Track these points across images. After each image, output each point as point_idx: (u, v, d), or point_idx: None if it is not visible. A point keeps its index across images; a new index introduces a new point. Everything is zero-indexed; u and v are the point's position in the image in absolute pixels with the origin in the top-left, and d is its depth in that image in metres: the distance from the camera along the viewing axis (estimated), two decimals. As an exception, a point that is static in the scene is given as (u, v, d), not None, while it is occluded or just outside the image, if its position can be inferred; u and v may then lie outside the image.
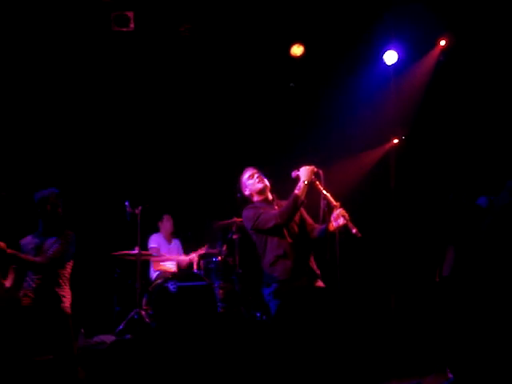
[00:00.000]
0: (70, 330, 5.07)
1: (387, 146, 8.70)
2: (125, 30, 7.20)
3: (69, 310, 5.14)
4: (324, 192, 4.74)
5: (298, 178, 4.77)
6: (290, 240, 4.76)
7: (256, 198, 5.00)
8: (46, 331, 4.92)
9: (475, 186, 6.70)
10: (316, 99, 8.49)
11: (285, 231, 4.76)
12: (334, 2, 7.59)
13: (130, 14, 7.19)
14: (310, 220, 4.99)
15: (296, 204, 4.65)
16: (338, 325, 4.70)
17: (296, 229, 4.85)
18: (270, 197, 4.98)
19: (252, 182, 4.97)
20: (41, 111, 7.67)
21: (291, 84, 8.62)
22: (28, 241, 5.15)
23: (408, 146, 8.47)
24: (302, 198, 4.66)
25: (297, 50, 8.08)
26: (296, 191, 4.68)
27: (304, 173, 4.72)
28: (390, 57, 8.18)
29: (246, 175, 5.04)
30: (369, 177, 8.52)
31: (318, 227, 4.89)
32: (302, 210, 4.96)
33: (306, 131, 8.53)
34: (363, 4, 7.66)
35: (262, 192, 4.96)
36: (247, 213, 4.89)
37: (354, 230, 4.59)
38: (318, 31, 7.92)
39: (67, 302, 5.15)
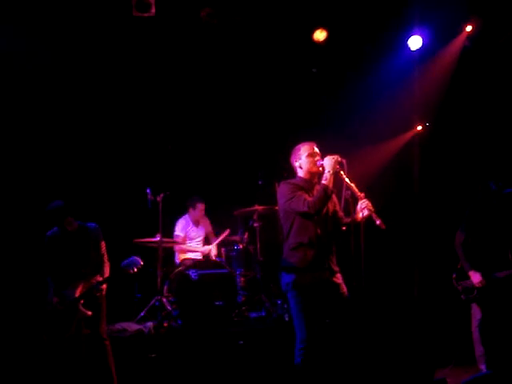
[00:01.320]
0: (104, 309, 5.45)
1: (411, 133, 8.58)
2: (146, 15, 7.13)
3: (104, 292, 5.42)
4: (348, 182, 4.67)
5: (322, 168, 4.69)
6: (318, 230, 4.67)
7: (300, 174, 4.84)
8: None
9: (502, 175, 6.59)
10: (339, 85, 8.37)
11: (316, 219, 4.66)
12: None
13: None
14: (340, 212, 4.88)
15: (326, 194, 4.56)
16: (355, 322, 4.70)
17: (327, 220, 4.75)
18: (315, 181, 4.80)
19: (310, 160, 4.76)
20: (63, 99, 7.63)
21: (314, 69, 8.50)
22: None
23: (433, 133, 8.34)
24: (331, 187, 4.59)
25: (320, 35, 7.95)
26: (323, 181, 4.60)
27: (328, 163, 4.64)
28: (415, 42, 8.04)
29: (307, 151, 4.80)
30: (393, 165, 8.40)
31: (345, 220, 4.82)
32: (336, 201, 4.86)
33: (328, 118, 8.42)
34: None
35: (312, 175, 4.80)
36: (284, 188, 4.75)
37: (377, 222, 4.54)
38: (342, 16, 7.79)
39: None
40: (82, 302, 5.17)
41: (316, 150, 4.84)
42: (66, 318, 5.14)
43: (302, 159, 4.82)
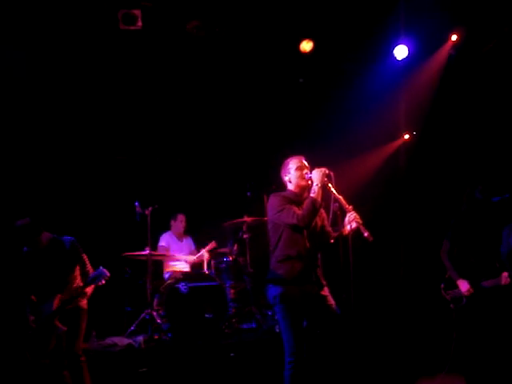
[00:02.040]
0: (83, 325, 5.29)
1: (398, 142, 8.63)
2: (132, 28, 7.14)
3: (85, 306, 5.33)
4: (336, 194, 4.69)
5: (311, 181, 4.71)
6: (306, 243, 4.69)
7: (290, 188, 4.86)
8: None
9: (488, 183, 6.63)
10: (326, 95, 8.41)
11: (304, 233, 4.69)
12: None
13: (138, 13, 7.13)
14: (328, 227, 4.90)
15: (315, 207, 4.58)
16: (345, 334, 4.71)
17: (315, 233, 4.78)
18: (305, 196, 4.81)
19: (299, 174, 4.79)
20: (49, 112, 7.62)
21: (300, 80, 8.54)
22: None
23: (419, 141, 8.38)
24: (319, 200, 4.61)
25: (306, 45, 7.98)
26: (312, 194, 4.61)
27: (316, 176, 4.66)
28: (401, 52, 8.08)
29: (296, 164, 4.83)
30: (379, 174, 8.43)
31: (333, 234, 4.83)
32: (324, 215, 4.89)
33: (316, 128, 8.45)
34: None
35: (301, 188, 4.81)
36: (273, 200, 4.77)
37: (365, 234, 4.55)
38: (328, 27, 7.82)
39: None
40: (57, 316, 5.05)
41: (305, 163, 4.87)
42: (45, 334, 5.04)
43: (291, 173, 4.84)
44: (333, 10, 7.57)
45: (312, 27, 7.84)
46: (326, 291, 4.75)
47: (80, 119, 7.84)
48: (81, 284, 5.23)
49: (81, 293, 5.14)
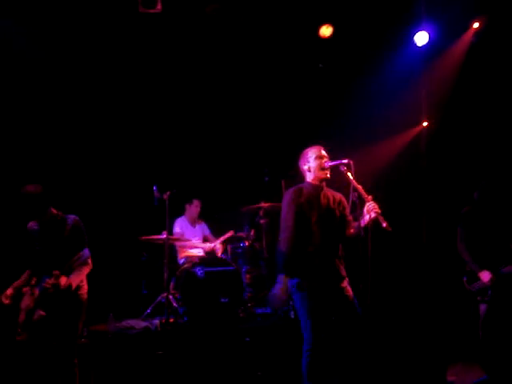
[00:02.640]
0: (82, 317, 4.95)
1: (417, 130, 8.55)
2: (152, 11, 7.11)
3: (85, 298, 4.99)
4: (355, 184, 4.67)
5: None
6: (319, 238, 4.68)
7: (309, 179, 4.85)
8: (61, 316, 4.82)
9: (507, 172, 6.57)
10: (345, 81, 8.33)
11: (315, 228, 4.68)
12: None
13: (158, -5, 7.10)
14: (349, 216, 4.87)
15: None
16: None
17: (331, 225, 4.75)
18: (323, 185, 4.83)
19: (318, 163, 4.77)
20: (70, 96, 7.63)
21: (320, 65, 8.48)
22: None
23: (439, 129, 8.30)
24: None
25: (326, 30, 7.92)
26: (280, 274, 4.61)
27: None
28: (421, 38, 8.01)
29: (315, 154, 4.81)
30: (399, 161, 8.37)
31: (353, 224, 4.82)
32: (345, 204, 4.85)
33: (335, 114, 8.40)
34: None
35: (320, 179, 4.80)
36: (285, 198, 4.79)
37: (384, 224, 4.49)
38: (348, 11, 7.75)
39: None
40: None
41: (323, 152, 4.84)
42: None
43: (311, 162, 4.82)
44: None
45: (332, 12, 7.78)
46: (344, 283, 4.73)
47: (99, 104, 7.84)
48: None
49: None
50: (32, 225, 4.96)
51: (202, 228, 8.01)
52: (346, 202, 4.86)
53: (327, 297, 4.63)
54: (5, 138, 7.19)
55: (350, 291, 4.73)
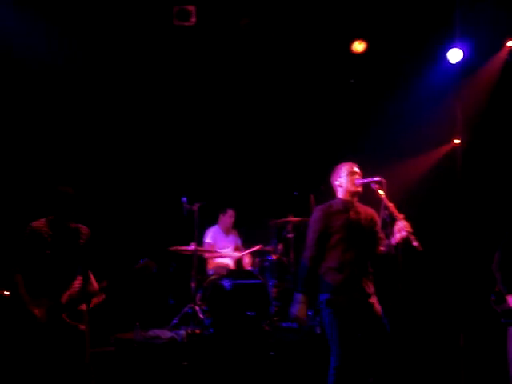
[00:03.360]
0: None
1: (449, 147, 8.48)
2: (186, 24, 7.20)
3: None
4: (386, 202, 4.65)
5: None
6: (348, 254, 4.69)
7: (340, 195, 4.88)
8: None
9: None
10: (377, 97, 8.31)
11: (344, 245, 4.69)
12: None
13: (192, 8, 7.19)
14: (381, 233, 4.86)
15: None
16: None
17: (360, 241, 4.75)
18: (354, 200, 4.85)
19: (350, 179, 4.80)
20: (103, 106, 7.75)
21: (351, 80, 8.47)
22: None
23: (473, 147, 8.21)
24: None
25: (358, 46, 7.92)
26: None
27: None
28: (455, 55, 7.96)
29: (348, 170, 4.84)
30: (431, 179, 8.29)
31: (384, 241, 4.80)
32: (377, 220, 4.84)
33: (366, 130, 8.37)
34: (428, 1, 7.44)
35: (352, 194, 4.83)
36: (314, 215, 4.84)
37: (415, 243, 4.47)
38: (381, 27, 7.75)
39: None
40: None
41: (356, 169, 4.86)
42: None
43: (343, 178, 4.85)
44: (386, 11, 7.51)
45: (365, 28, 7.79)
46: (373, 299, 4.71)
47: (133, 115, 7.95)
48: (95, 285, 4.61)
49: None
50: (40, 225, 4.61)
51: (235, 237, 8.03)
52: (377, 218, 4.84)
53: (356, 313, 4.61)
54: (43, 144, 7.33)
55: (378, 308, 4.70)
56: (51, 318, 4.43)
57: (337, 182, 4.89)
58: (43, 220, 4.66)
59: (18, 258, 4.54)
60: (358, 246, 4.72)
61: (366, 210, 4.88)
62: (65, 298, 4.52)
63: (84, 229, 4.76)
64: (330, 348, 4.62)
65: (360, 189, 4.78)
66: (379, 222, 4.84)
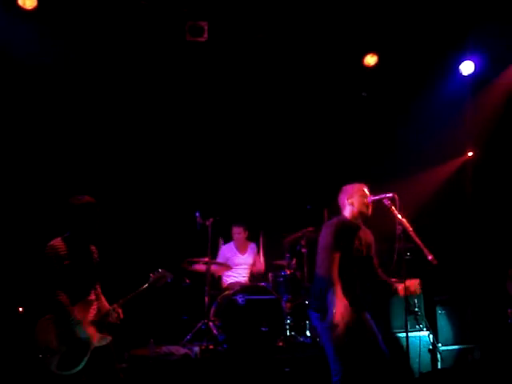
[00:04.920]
0: None
1: (462, 160, 8.46)
2: (199, 39, 7.24)
3: None
4: (399, 218, 4.68)
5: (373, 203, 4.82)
6: (350, 271, 4.79)
7: (347, 213, 4.93)
8: None
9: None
10: (389, 110, 8.31)
11: (349, 261, 4.78)
12: (409, 11, 7.38)
13: (204, 24, 7.23)
14: (375, 259, 5.00)
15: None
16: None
17: (361, 261, 4.89)
18: (360, 222, 4.94)
19: (361, 200, 4.88)
20: (117, 119, 7.80)
21: (363, 93, 8.47)
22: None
23: (485, 159, 8.18)
24: None
25: (370, 59, 7.93)
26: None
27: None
28: (467, 67, 7.97)
29: (360, 190, 4.92)
30: (444, 191, 8.26)
31: (393, 284, 4.89)
32: (372, 244, 4.97)
33: (378, 143, 8.37)
34: (440, 14, 7.43)
35: (361, 215, 4.90)
36: (326, 231, 4.86)
37: (430, 257, 4.52)
38: (393, 41, 7.76)
39: None
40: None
41: (366, 191, 4.94)
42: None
43: (355, 198, 4.91)
44: (398, 24, 7.51)
45: (377, 41, 7.80)
46: (366, 315, 4.82)
47: (143, 129, 7.98)
48: (105, 304, 4.75)
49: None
50: (59, 244, 4.61)
51: (253, 254, 7.80)
52: (373, 242, 4.99)
53: (352, 328, 4.63)
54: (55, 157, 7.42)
55: (372, 325, 4.80)
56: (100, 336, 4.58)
57: (349, 201, 4.93)
58: (59, 239, 4.67)
59: (54, 279, 4.53)
60: (355, 265, 4.83)
61: (367, 234, 5.00)
62: (92, 314, 4.62)
63: (92, 246, 4.82)
64: (329, 361, 4.73)
65: (370, 212, 4.88)
66: (372, 245, 4.98)
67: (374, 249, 4.97)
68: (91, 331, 4.53)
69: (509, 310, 5.56)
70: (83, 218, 4.63)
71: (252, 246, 7.83)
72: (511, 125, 7.88)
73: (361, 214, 4.88)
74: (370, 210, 4.86)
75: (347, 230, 4.81)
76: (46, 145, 7.44)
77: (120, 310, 4.67)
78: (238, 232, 7.71)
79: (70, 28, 6.97)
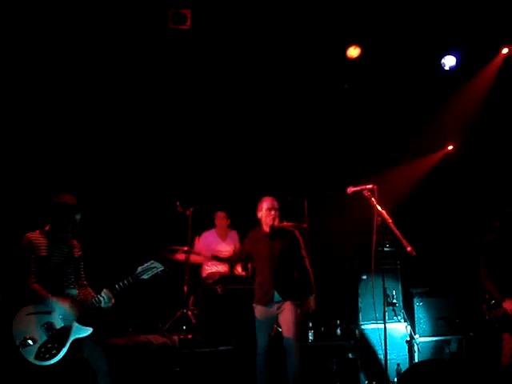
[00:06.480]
0: None
1: (442, 153, 8.52)
2: (181, 27, 7.20)
3: None
4: (379, 208, 4.72)
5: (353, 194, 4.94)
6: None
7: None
8: None
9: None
10: (371, 103, 8.33)
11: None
12: (392, 3, 7.40)
13: (187, 12, 7.19)
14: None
15: None
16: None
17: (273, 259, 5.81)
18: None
19: (266, 214, 5.76)
20: (96, 109, 7.72)
21: (346, 85, 8.48)
22: None
23: (465, 153, 8.26)
24: None
25: (353, 51, 7.94)
26: None
27: None
28: (449, 61, 8.01)
29: (267, 205, 5.79)
30: (424, 184, 8.33)
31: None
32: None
33: (359, 136, 8.39)
34: (422, 7, 7.46)
35: (269, 227, 5.78)
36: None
37: (408, 248, 4.57)
38: (376, 33, 7.77)
39: None
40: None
41: (275, 205, 5.78)
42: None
43: (262, 211, 5.80)
44: (381, 17, 7.53)
45: (360, 33, 7.81)
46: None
47: (127, 119, 7.92)
48: (92, 292, 4.82)
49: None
50: (36, 236, 4.70)
51: (234, 240, 7.81)
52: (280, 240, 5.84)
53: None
54: (39, 150, 7.36)
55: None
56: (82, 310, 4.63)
57: (259, 215, 5.83)
58: (37, 231, 4.76)
59: (28, 269, 4.59)
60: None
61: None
62: (73, 305, 4.64)
63: (76, 242, 4.92)
64: None
65: (276, 223, 5.73)
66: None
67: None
68: (70, 322, 4.56)
69: (484, 306, 5.61)
70: (59, 215, 4.74)
71: (233, 234, 7.84)
72: (491, 119, 7.93)
73: (269, 227, 5.75)
74: (277, 222, 5.72)
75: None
76: (25, 134, 7.35)
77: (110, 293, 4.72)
78: (221, 217, 7.74)
79: (51, 16, 6.88)
